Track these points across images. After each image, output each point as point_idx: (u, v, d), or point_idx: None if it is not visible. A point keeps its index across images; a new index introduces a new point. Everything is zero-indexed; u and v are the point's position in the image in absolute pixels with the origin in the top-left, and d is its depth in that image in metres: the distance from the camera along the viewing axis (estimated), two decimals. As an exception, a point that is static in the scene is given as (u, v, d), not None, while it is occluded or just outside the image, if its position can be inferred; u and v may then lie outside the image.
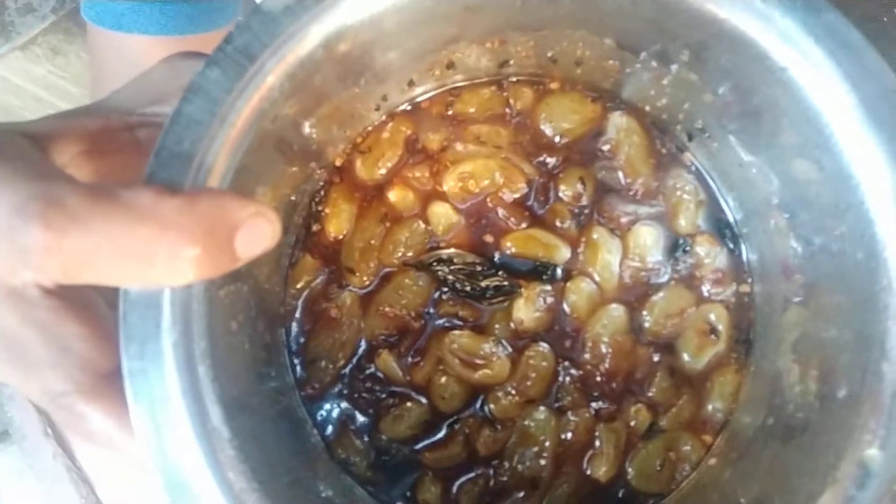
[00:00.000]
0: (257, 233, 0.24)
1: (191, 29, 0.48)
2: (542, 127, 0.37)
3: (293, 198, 0.36)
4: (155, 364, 0.25)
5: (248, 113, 0.27)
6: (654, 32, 0.30)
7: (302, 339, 0.36)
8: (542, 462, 0.35)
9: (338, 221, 0.37)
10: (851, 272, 0.29)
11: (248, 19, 0.26)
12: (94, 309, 0.28)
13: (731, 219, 0.37)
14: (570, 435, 0.36)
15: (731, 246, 0.37)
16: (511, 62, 0.36)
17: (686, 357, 0.36)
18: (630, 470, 0.36)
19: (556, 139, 0.37)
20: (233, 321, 0.29)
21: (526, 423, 0.35)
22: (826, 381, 0.31)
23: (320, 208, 0.37)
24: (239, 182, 0.27)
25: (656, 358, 0.36)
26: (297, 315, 0.36)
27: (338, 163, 0.37)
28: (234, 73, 0.26)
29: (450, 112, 0.37)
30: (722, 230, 0.37)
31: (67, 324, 0.26)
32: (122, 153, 0.30)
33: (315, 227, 0.37)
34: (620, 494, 0.36)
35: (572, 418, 0.36)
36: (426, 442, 0.36)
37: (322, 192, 0.37)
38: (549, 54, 0.35)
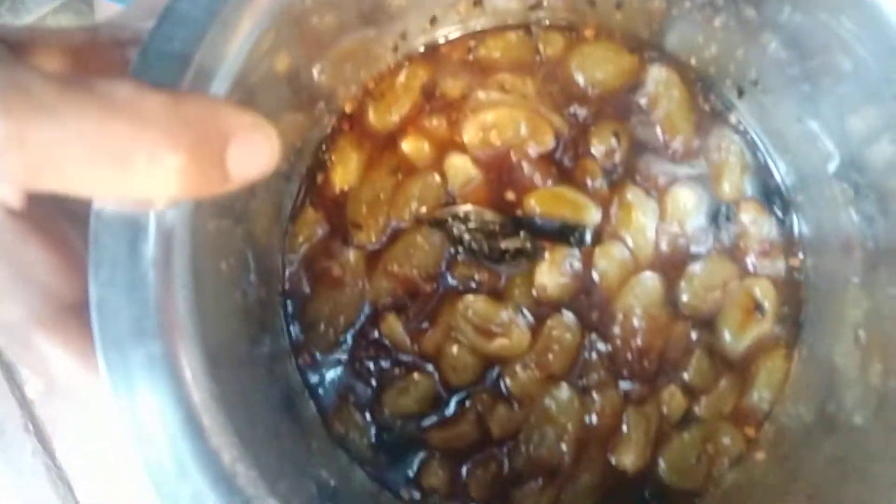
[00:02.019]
0: (253, 149, 0.21)
1: None
2: (574, 75, 0.34)
3: (298, 145, 0.33)
4: (128, 293, 0.21)
5: (256, 12, 0.23)
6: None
7: (300, 300, 0.33)
8: (563, 447, 0.31)
9: (344, 171, 0.33)
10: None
11: None
12: (65, 239, 0.25)
13: (781, 185, 0.33)
14: (594, 418, 0.32)
15: (781, 215, 0.33)
16: (544, 3, 0.33)
17: (727, 336, 0.32)
18: (662, 462, 0.32)
19: (589, 90, 0.34)
20: (222, 261, 0.26)
21: (546, 402, 0.32)
22: (891, 378, 0.27)
23: (327, 157, 0.33)
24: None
25: (694, 335, 0.32)
26: (297, 273, 0.33)
27: (348, 109, 0.34)
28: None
29: (471, 58, 0.34)
30: (770, 197, 0.33)
31: (31, 249, 0.23)
32: (110, 73, 0.27)
33: (320, 178, 0.33)
34: (650, 491, 0.32)
35: (598, 399, 0.32)
36: (434, 419, 0.32)
37: (329, 141, 0.34)
38: (588, -6, 0.32)
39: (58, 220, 0.25)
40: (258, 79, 0.25)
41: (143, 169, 0.19)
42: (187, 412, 0.21)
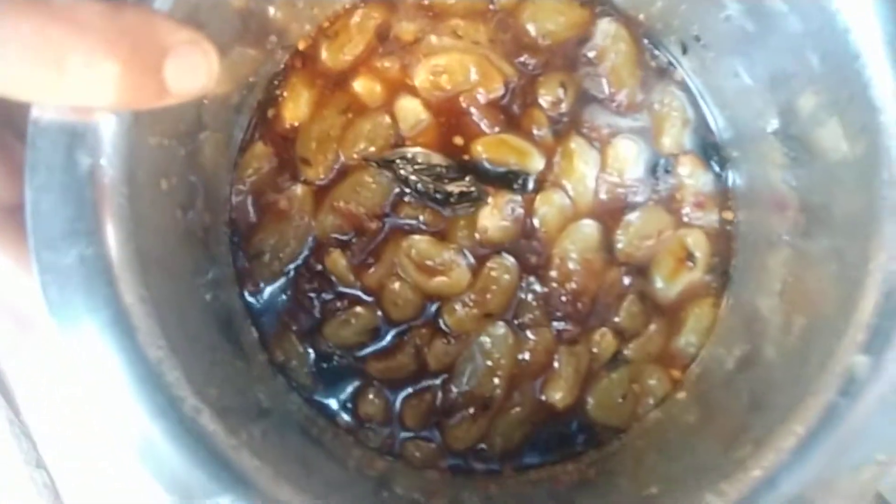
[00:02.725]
0: (190, 64, 0.22)
1: None
2: (526, 26, 0.34)
3: (252, 79, 0.33)
4: (62, 196, 0.22)
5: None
6: None
7: (246, 230, 0.33)
8: (496, 381, 0.33)
9: (295, 107, 0.34)
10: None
11: None
12: (6, 146, 0.25)
13: (719, 140, 0.34)
14: (528, 355, 0.33)
15: (718, 170, 0.34)
16: (498, -50, 0.34)
17: (659, 282, 0.34)
18: (590, 400, 0.33)
19: (539, 40, 0.34)
20: (163, 179, 0.26)
21: (482, 338, 0.33)
22: (810, 331, 0.28)
23: (278, 92, 0.34)
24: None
25: (627, 281, 0.34)
26: (244, 203, 0.33)
27: (301, 46, 0.34)
28: None
29: (426, 2, 0.35)
30: (708, 152, 0.34)
31: (-29, 153, 0.23)
32: None
33: (271, 113, 0.34)
34: (577, 425, 0.33)
35: (531, 337, 0.33)
36: (373, 350, 0.33)
37: (282, 76, 0.34)
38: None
39: (2, 130, 0.25)
40: (207, 6, 0.26)
41: (79, 73, 0.19)
42: (116, 310, 0.22)
